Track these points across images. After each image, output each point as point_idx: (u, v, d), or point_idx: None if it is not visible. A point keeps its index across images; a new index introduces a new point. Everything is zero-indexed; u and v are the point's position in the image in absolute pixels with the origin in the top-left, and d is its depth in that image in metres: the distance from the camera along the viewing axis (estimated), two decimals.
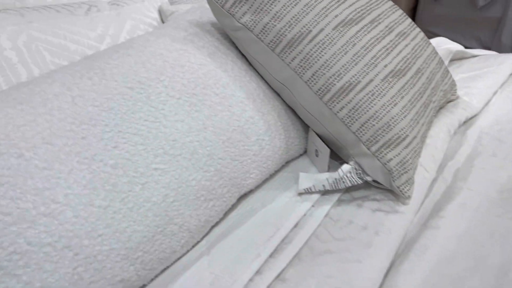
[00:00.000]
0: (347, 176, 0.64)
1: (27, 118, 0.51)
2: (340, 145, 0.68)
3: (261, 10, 0.66)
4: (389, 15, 0.75)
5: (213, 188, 0.58)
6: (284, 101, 0.72)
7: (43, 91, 0.54)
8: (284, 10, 0.66)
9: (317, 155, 0.71)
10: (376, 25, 0.70)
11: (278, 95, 0.72)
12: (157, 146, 0.55)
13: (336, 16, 0.67)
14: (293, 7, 0.66)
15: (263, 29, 0.66)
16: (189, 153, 0.57)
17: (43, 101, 0.53)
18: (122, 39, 0.74)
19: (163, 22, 0.85)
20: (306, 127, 0.74)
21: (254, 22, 0.66)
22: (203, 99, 0.62)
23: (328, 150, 0.67)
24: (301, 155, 0.76)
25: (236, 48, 0.73)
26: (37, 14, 0.69)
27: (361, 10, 0.71)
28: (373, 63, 0.66)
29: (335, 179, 0.64)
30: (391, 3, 0.78)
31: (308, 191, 0.65)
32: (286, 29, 0.65)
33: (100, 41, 0.71)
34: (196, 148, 0.58)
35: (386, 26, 0.72)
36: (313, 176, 0.67)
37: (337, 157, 0.73)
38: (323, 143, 0.68)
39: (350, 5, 0.70)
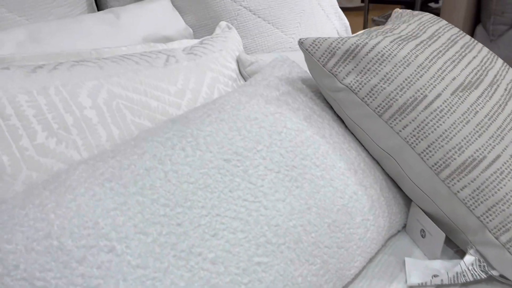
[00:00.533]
0: (469, 269, 0.54)
1: (117, 200, 0.44)
2: (455, 228, 0.58)
3: (368, 70, 0.58)
4: (504, 74, 0.66)
5: (319, 285, 0.49)
6: (384, 171, 0.64)
7: (133, 165, 0.47)
8: (395, 71, 0.58)
9: (423, 236, 0.61)
10: (496, 88, 0.61)
11: (377, 163, 0.64)
12: (258, 233, 0.47)
13: (453, 78, 0.59)
14: (405, 68, 0.58)
15: (370, 92, 0.58)
16: (293, 242, 0.48)
17: (133, 178, 0.46)
18: (203, 94, 0.68)
19: (241, 73, 0.79)
20: (407, 200, 0.65)
21: (360, 83, 0.58)
22: (303, 172, 0.54)
23: (443, 235, 0.58)
24: (398, 230, 0.67)
25: (331, 108, 0.65)
26: (116, 66, 0.63)
27: (478, 71, 0.62)
28: (499, 135, 0.56)
29: (456, 273, 0.54)
30: (501, 60, 0.70)
31: (422, 285, 0.56)
32: (397, 93, 0.57)
33: (181, 96, 0.65)
34: (301, 235, 0.49)
35: (505, 89, 0.63)
36: (423, 264, 0.57)
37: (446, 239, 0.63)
38: (436, 226, 0.59)
39: (466, 66, 0.61)
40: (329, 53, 0.59)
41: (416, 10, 2.54)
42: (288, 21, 1.06)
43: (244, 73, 0.79)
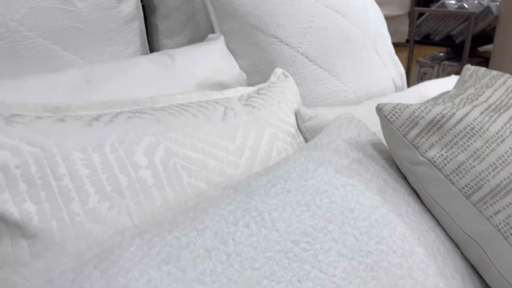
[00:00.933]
0: None
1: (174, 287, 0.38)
2: None
3: (454, 144, 0.52)
4: None
5: None
6: (464, 256, 0.56)
7: (192, 243, 0.42)
8: (487, 148, 0.51)
9: None
10: None
11: (457, 246, 0.56)
12: None
13: None
14: (498, 144, 0.51)
15: (456, 169, 0.51)
16: None
17: (193, 260, 0.40)
18: (261, 152, 0.63)
19: (299, 128, 0.74)
20: None
21: (445, 158, 0.52)
22: (379, 259, 0.47)
23: None
24: None
25: (405, 179, 0.59)
26: (173, 119, 0.59)
27: None
28: None
29: None
30: None
31: None
32: (489, 173, 0.50)
33: (239, 155, 0.60)
34: None
35: None
36: None
37: None
38: None
39: None
40: (411, 122, 0.53)
41: (465, 54, 2.46)
42: (345, 69, 1.01)
43: (302, 127, 0.74)
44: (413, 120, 0.53)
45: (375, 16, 1.14)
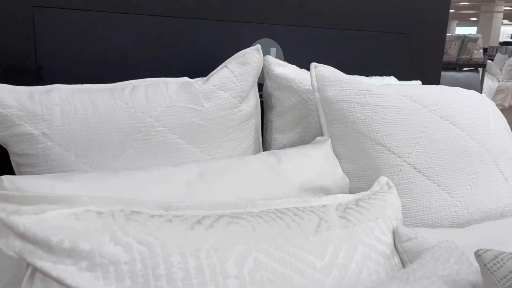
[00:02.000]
0: None
1: None
2: None
3: None
4: None
5: None
6: None
7: None
8: None
9: None
10: None
11: None
12: None
13: None
14: None
15: None
16: None
17: None
18: (350, 273, 0.62)
19: (396, 247, 0.71)
20: None
21: None
22: None
23: None
24: None
25: None
26: (267, 229, 0.62)
27: None
28: None
29: None
30: None
31: None
32: None
33: (327, 274, 0.60)
34: None
35: None
36: None
37: None
38: None
39: None
40: None
41: None
42: (457, 183, 0.96)
43: (400, 248, 0.71)
44: None
45: (498, 127, 1.08)
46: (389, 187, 0.85)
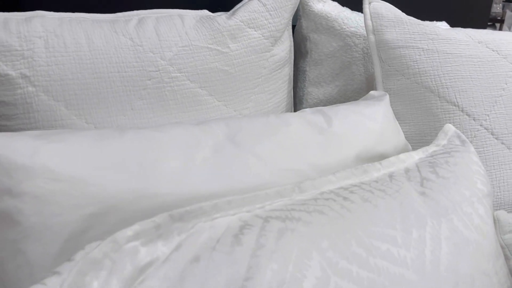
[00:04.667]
0: None
1: None
2: None
3: None
4: None
5: None
6: None
7: None
8: None
9: None
10: None
11: None
12: None
13: None
14: None
15: None
16: None
17: None
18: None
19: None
20: None
21: None
22: None
23: None
24: None
25: None
26: (327, 225, 0.44)
27: None
28: None
29: None
30: None
31: None
32: None
33: None
34: None
35: None
36: None
37: None
38: None
39: None
40: None
41: None
42: None
43: (501, 240, 0.54)
44: None
45: None
46: (463, 142, 0.65)
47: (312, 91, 0.94)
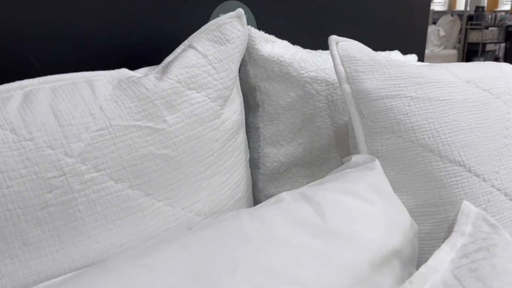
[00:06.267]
0: None
1: None
2: None
3: None
4: None
5: None
6: None
7: None
8: None
9: None
10: None
11: None
12: None
13: None
14: None
15: None
16: None
17: None
18: None
19: None
20: None
21: None
22: None
23: None
24: None
25: None
26: None
27: None
28: None
29: None
30: None
31: None
32: None
33: None
34: None
35: None
36: None
37: None
38: None
39: None
40: None
41: None
42: None
43: None
44: None
45: None
46: (493, 228, 0.52)
47: (270, 152, 0.75)
